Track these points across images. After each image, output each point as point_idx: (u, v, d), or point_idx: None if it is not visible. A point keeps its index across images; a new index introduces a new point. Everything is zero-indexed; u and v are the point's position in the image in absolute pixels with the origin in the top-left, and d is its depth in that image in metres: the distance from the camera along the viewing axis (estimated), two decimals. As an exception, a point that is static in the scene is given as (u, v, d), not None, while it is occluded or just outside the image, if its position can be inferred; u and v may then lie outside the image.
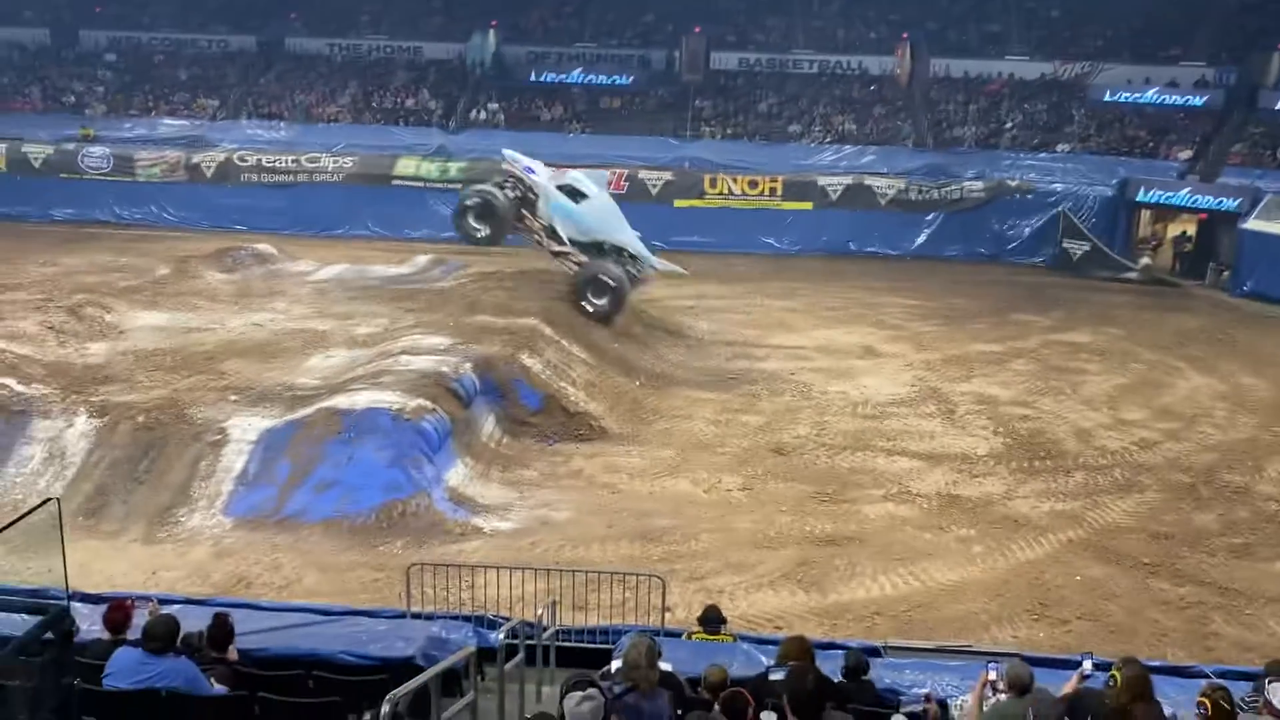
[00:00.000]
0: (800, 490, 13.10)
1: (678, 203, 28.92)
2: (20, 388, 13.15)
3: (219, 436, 12.46)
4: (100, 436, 12.49)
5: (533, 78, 34.00)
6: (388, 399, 12.91)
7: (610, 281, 17.89)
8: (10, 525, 3.25)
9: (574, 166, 28.28)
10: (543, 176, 18.93)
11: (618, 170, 28.48)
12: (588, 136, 31.36)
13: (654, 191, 28.80)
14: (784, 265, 27.49)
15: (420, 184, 29.10)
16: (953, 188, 28.95)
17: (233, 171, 29.26)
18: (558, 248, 18.61)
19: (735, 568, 10.92)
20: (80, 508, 11.48)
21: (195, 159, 29.41)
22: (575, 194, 18.95)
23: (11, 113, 32.18)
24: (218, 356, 15.18)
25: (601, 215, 18.91)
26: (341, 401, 12.91)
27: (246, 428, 12.58)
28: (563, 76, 34.01)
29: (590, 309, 17.83)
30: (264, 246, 22.44)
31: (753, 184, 28.99)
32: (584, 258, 18.45)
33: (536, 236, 18.94)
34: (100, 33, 35.91)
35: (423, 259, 22.57)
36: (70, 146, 29.68)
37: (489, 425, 14.29)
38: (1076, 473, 13.91)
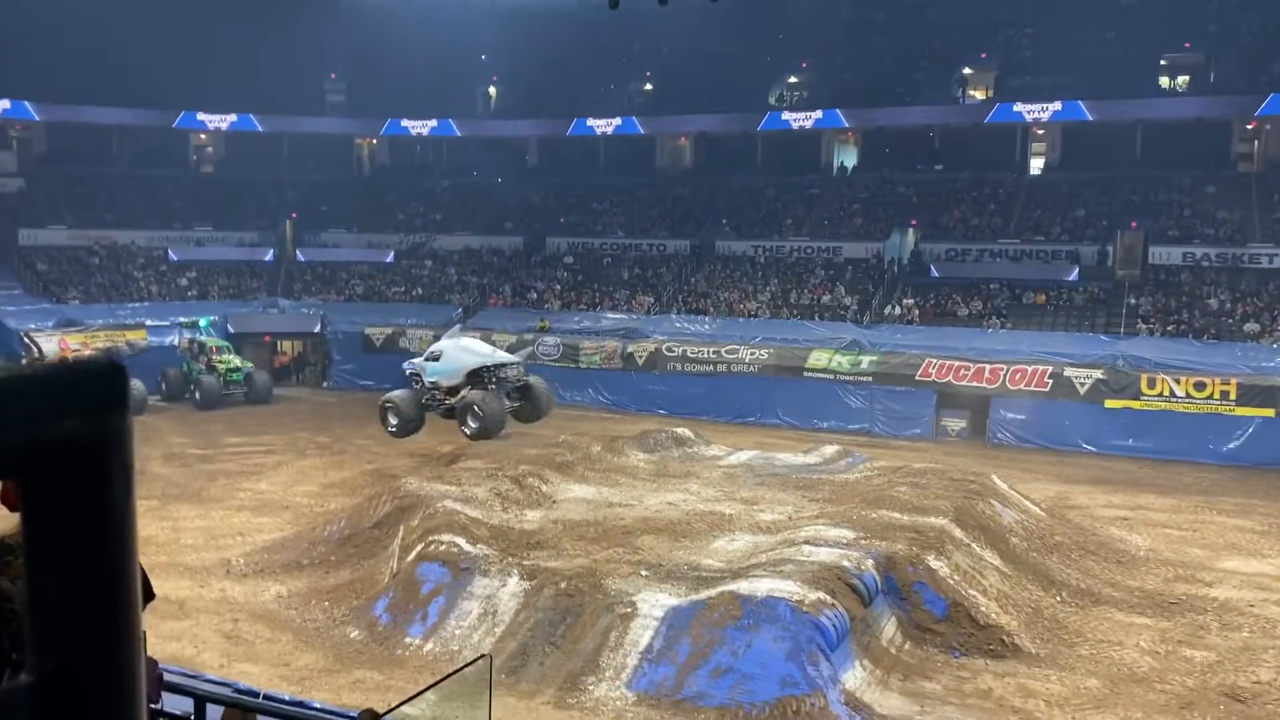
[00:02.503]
0: (1263, 749, 11.00)
1: (1109, 403, 26.72)
2: (468, 547, 14.72)
3: (629, 609, 13.00)
4: (528, 598, 13.55)
5: (950, 273, 33.86)
6: (788, 589, 12.81)
7: (480, 407, 21.96)
8: (449, 677, 3.56)
9: (989, 362, 27.68)
10: (418, 362, 24.01)
11: (1041, 368, 27.11)
12: (1007, 332, 30.37)
13: (1082, 390, 26.91)
14: (1238, 478, 24.17)
15: (831, 376, 29.57)
16: None
17: (660, 360, 31.66)
18: (451, 400, 22.94)
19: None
20: (503, 664, 12.38)
21: (629, 348, 32.25)
22: (434, 356, 23.77)
23: (487, 308, 37.69)
24: (634, 531, 16.01)
25: (456, 358, 23.38)
26: (743, 587, 13.00)
27: (654, 604, 13.03)
28: (983, 272, 33.53)
29: (468, 431, 21.95)
30: (683, 430, 23.72)
31: (1199, 386, 26.09)
32: (470, 395, 22.60)
33: (443, 401, 23.16)
34: (562, 239, 41.32)
35: (829, 449, 22.64)
36: (529, 336, 33.89)
37: (889, 629, 13.64)
38: None
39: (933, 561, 14.62)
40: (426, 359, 23.79)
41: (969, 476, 19.06)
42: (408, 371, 24.33)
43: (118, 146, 44.67)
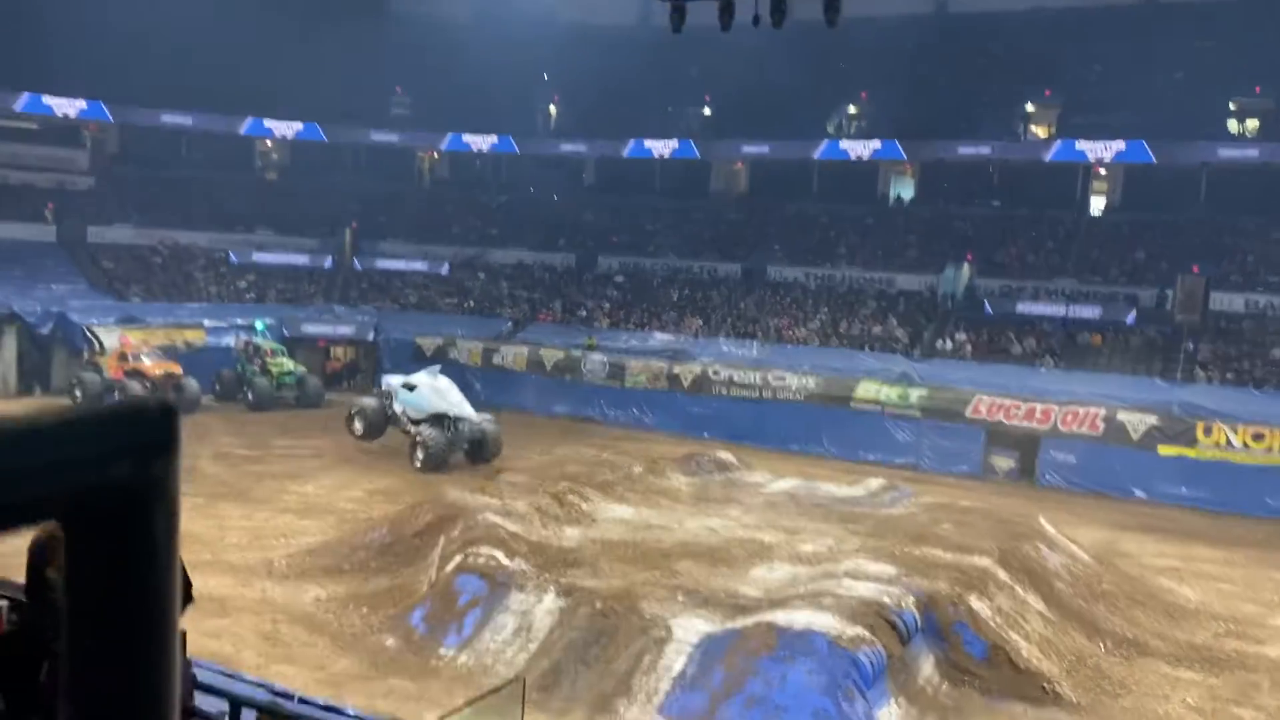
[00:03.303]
0: (1312, 816, 10.64)
1: (1163, 450, 26.14)
2: (506, 561, 14.77)
3: (664, 634, 12.95)
4: (563, 616, 13.55)
5: (1004, 310, 33.46)
6: (825, 622, 12.68)
7: (429, 445, 24.72)
8: (483, 697, 3.58)
9: (1040, 402, 27.27)
10: (395, 383, 26.45)
11: (1095, 410, 26.64)
12: (1061, 372, 29.90)
13: (1135, 435, 26.36)
14: (1296, 534, 23.50)
15: (879, 408, 29.28)
16: None
17: (706, 383, 31.57)
18: (410, 428, 25.40)
19: None
20: (535, 682, 12.38)
21: (675, 370, 32.22)
22: (410, 386, 26.02)
23: (537, 323, 37.95)
24: (672, 555, 15.95)
25: (426, 396, 25.64)
26: (780, 617, 12.89)
27: (689, 629, 12.97)
28: (1037, 310, 33.08)
29: (418, 464, 24.61)
30: (725, 455, 23.60)
31: (1258, 436, 25.42)
32: (425, 433, 24.95)
33: (405, 426, 25.56)
34: (614, 258, 41.50)
35: (874, 482, 22.40)
36: (576, 353, 34.03)
37: (927, 668, 13.44)
38: None
39: (974, 602, 14.39)
40: (403, 385, 26.32)
41: (1015, 517, 18.78)
42: (383, 387, 27.00)
43: (186, 150, 45.74)
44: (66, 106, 40.38)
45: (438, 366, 28.92)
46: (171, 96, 41.09)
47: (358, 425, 26.14)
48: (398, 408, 25.92)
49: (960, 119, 39.79)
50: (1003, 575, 15.64)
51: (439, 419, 25.50)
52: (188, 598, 3.84)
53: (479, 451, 25.82)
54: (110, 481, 0.84)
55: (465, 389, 34.86)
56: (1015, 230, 37.85)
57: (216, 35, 38.16)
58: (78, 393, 30.16)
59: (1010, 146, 38.89)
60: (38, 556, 2.85)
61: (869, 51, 39.75)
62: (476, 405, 34.04)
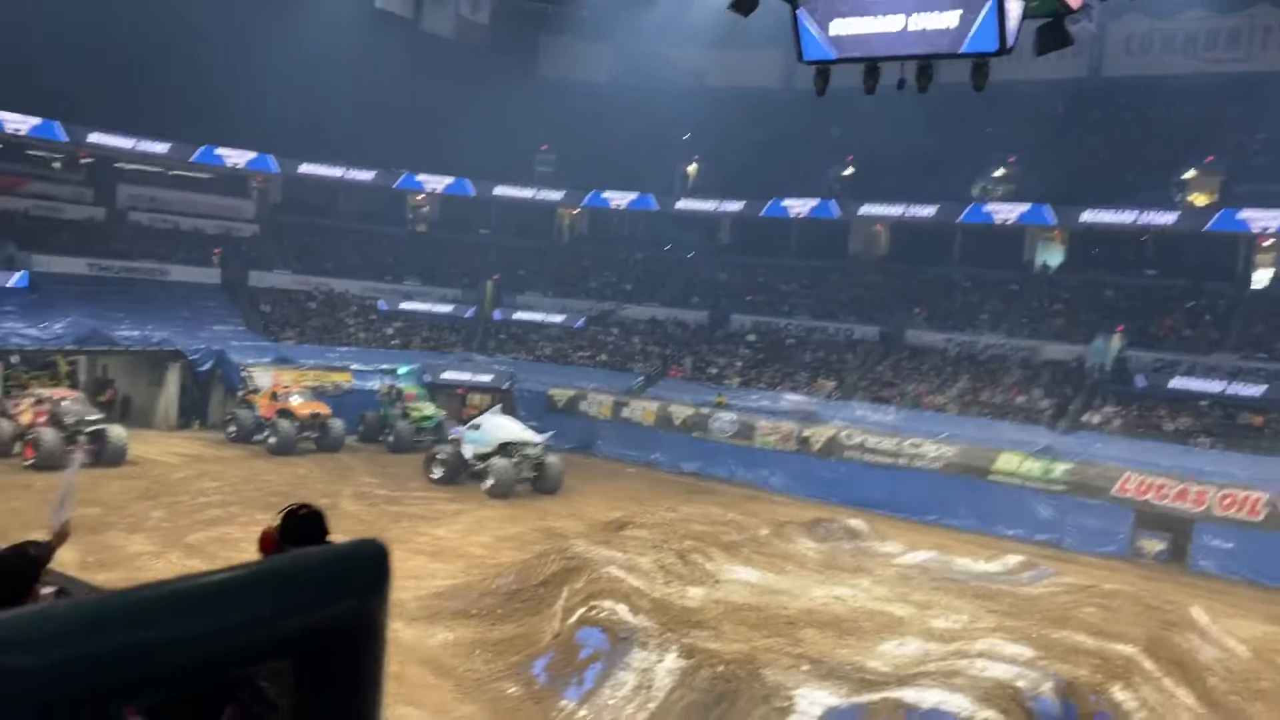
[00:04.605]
0: None
1: (1332, 542, 24.31)
2: (629, 617, 14.73)
3: (785, 704, 12.63)
4: (684, 677, 13.39)
5: (1157, 385, 31.87)
6: (957, 703, 12.13)
7: (496, 472, 26.75)
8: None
9: (1194, 483, 25.79)
10: (462, 429, 28.89)
11: (1255, 495, 25.00)
12: (1218, 453, 28.23)
13: (1301, 525, 24.60)
14: None
15: (1019, 481, 28.18)
16: None
17: (837, 447, 31.03)
18: (480, 465, 27.36)
19: None
20: (654, 741, 12.27)
21: (806, 432, 31.79)
22: (475, 426, 28.41)
23: (668, 379, 38.13)
24: (797, 623, 15.59)
25: (491, 431, 27.84)
26: (909, 695, 12.41)
27: (812, 701, 12.61)
28: (1194, 386, 31.38)
29: (486, 490, 26.65)
30: (856, 522, 23.03)
31: None
32: (494, 462, 26.94)
33: (475, 466, 27.47)
34: (747, 317, 41.48)
35: (1013, 559, 21.48)
36: (705, 411, 33.99)
37: (1066, 760, 12.69)
38: None
39: (1118, 693, 13.55)
40: (469, 429, 28.54)
41: (1165, 604, 17.68)
42: (451, 435, 29.07)
43: (343, 202, 48.19)
44: (236, 158, 43.16)
45: (498, 407, 31.77)
46: (332, 151, 43.51)
47: (436, 470, 27.98)
48: (467, 450, 27.79)
49: (1114, 185, 38.48)
50: (1150, 666, 14.72)
51: (505, 447, 27.44)
52: None
53: (543, 481, 27.73)
54: (335, 621, 0.93)
55: (592, 440, 35.53)
56: (1170, 302, 36.17)
57: (375, 94, 40.31)
58: (232, 428, 31.81)
59: (1166, 214, 37.30)
60: None
61: (1018, 115, 38.99)
62: (594, 455, 34.45)
